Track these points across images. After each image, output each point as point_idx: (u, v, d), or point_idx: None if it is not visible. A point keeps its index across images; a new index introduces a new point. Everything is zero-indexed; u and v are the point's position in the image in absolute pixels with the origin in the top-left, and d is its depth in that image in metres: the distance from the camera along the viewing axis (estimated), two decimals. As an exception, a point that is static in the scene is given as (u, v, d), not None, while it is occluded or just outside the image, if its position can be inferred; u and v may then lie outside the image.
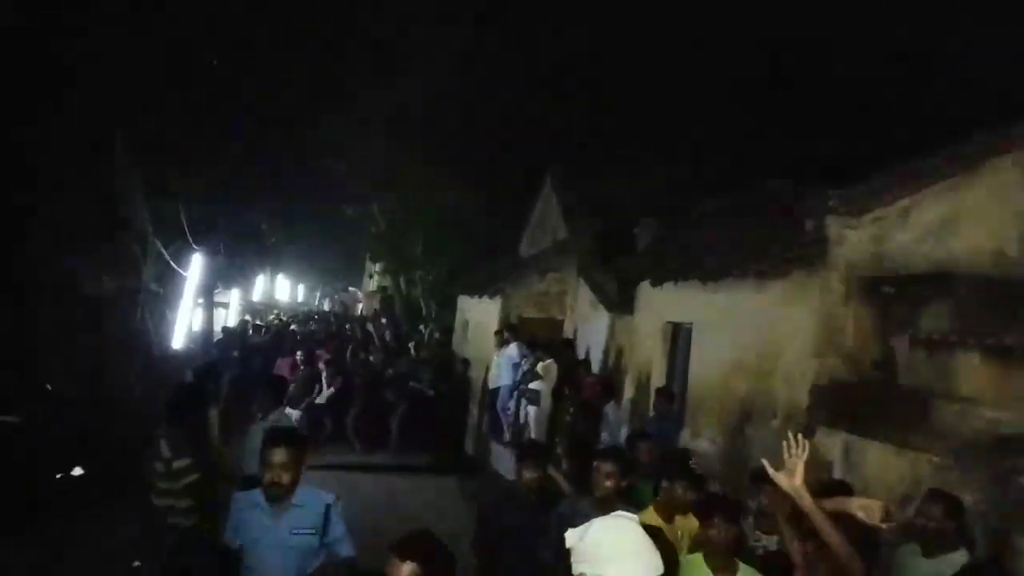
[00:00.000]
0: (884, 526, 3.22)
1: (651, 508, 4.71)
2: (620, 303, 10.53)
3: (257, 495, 3.92)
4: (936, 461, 5.20)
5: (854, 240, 6.57)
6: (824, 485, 4.42)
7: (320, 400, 12.69)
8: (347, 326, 23.33)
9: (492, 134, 15.92)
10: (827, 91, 11.58)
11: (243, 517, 3.92)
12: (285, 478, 3.83)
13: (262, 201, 16.31)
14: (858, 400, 6.25)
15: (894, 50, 11.14)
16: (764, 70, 12.73)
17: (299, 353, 13.82)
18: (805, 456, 3.19)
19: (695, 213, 9.95)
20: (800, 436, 3.25)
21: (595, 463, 4.55)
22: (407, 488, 11.13)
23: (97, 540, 5.77)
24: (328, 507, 3.96)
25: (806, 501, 3.10)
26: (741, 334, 7.59)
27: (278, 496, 3.84)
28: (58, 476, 5.63)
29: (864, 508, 3.32)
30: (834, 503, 3.32)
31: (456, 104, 16.06)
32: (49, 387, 7.22)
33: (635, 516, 2.35)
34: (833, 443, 6.21)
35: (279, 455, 3.84)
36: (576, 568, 2.22)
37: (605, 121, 14.19)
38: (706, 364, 8.26)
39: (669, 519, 4.66)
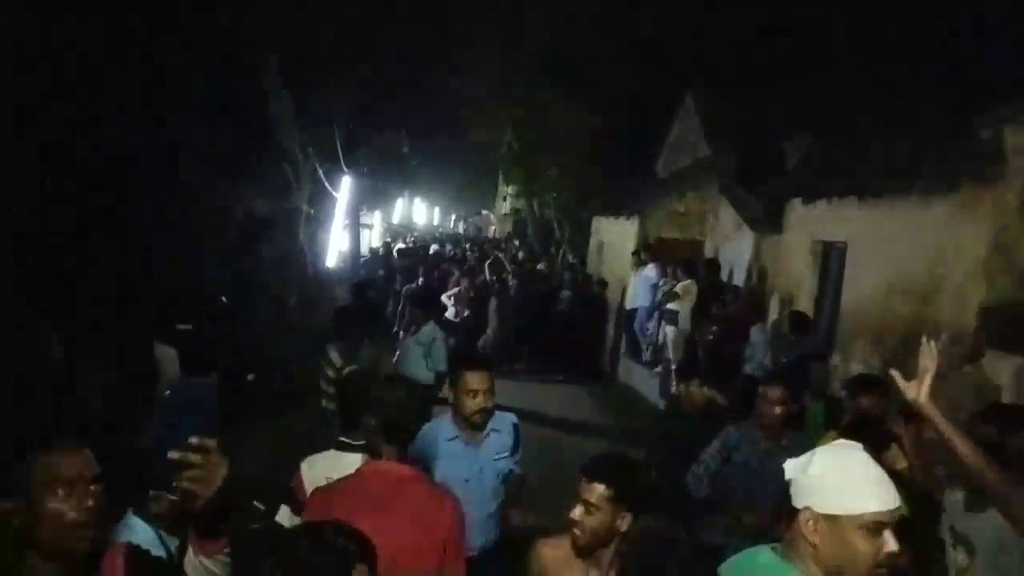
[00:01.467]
0: None
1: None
2: (766, 222, 10.21)
3: (447, 427, 3.71)
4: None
5: (1034, 151, 6.10)
6: None
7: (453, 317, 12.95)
8: (481, 248, 23.71)
9: (627, 51, 15.50)
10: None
11: (441, 451, 3.65)
12: (491, 403, 3.67)
13: (403, 124, 16.62)
14: (1032, 323, 5.91)
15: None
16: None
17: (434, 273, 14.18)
18: (935, 365, 2.70)
19: (852, 127, 9.42)
20: (933, 341, 2.77)
21: (761, 388, 4.39)
22: (543, 396, 11.47)
23: (277, 439, 6.26)
24: (515, 426, 3.86)
25: (927, 409, 2.68)
26: (902, 253, 7.24)
27: (483, 424, 3.69)
28: (248, 378, 6.08)
29: None
30: None
31: (591, 20, 15.70)
32: (223, 299, 7.76)
33: (859, 445, 2.07)
34: (1003, 367, 5.91)
35: (485, 380, 3.64)
36: (800, 502, 1.98)
37: (750, 32, 13.50)
38: (862, 285, 7.95)
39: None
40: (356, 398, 3.32)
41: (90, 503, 1.87)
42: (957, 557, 3.12)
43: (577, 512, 2.61)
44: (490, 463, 3.71)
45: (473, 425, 3.66)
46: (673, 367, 11.16)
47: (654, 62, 15.19)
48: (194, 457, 1.83)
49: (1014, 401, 5.46)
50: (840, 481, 1.93)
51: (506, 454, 3.77)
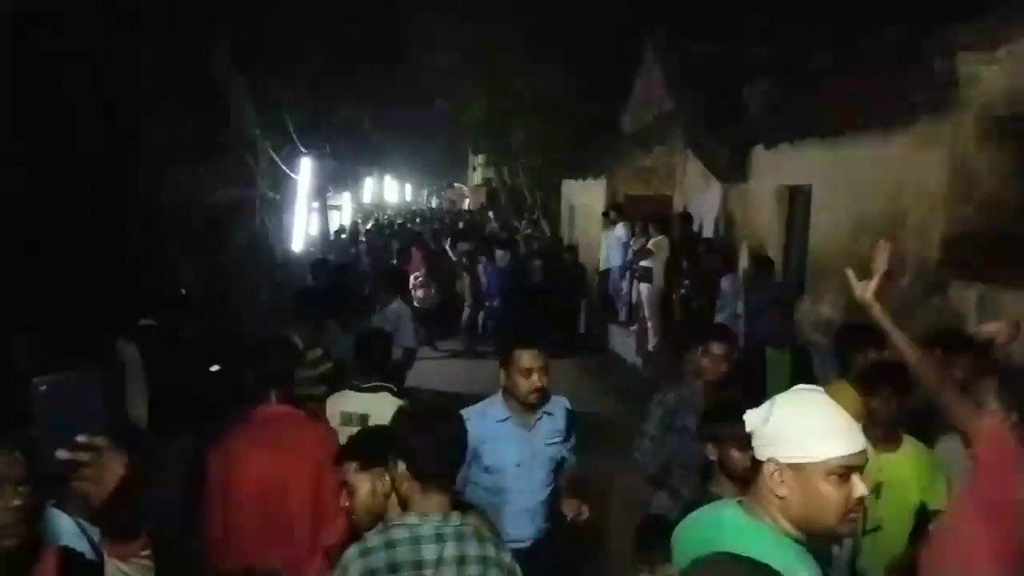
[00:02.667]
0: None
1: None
2: (732, 171, 10.17)
3: (498, 407, 3.50)
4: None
5: (988, 77, 6.07)
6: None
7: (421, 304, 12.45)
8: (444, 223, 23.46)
9: (585, 8, 15.33)
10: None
11: (491, 433, 3.41)
12: (547, 382, 3.43)
13: (361, 99, 16.37)
14: (994, 250, 5.91)
15: None
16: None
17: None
18: (885, 265, 2.79)
19: (809, 68, 9.37)
20: (883, 242, 2.85)
21: (703, 345, 4.13)
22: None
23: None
24: (568, 410, 3.64)
25: (875, 310, 2.79)
26: (865, 190, 7.23)
27: (537, 405, 3.47)
28: (210, 371, 5.98)
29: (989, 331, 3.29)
30: None
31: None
32: (183, 291, 7.63)
33: (819, 389, 1.97)
34: (967, 296, 5.94)
35: (539, 358, 3.40)
36: (763, 454, 1.90)
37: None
38: (828, 225, 7.95)
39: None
40: (375, 360, 4.27)
41: (15, 503, 1.85)
42: None
43: None
44: (542, 448, 3.49)
45: (528, 406, 3.45)
46: (649, 324, 11.19)
47: (613, 16, 15.05)
48: (83, 456, 1.75)
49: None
50: (803, 428, 1.85)
51: (559, 439, 3.55)
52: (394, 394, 4.08)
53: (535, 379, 3.38)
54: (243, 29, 11.40)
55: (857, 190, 7.36)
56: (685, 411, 4.03)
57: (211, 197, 11.06)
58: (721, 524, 1.94)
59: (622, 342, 12.38)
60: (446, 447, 2.43)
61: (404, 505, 2.43)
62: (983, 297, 5.78)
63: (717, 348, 4.07)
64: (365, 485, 2.65)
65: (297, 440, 3.20)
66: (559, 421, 3.57)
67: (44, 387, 1.74)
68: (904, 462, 3.38)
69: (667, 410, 4.12)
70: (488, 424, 3.41)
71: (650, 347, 11.08)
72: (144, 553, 1.89)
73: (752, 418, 1.94)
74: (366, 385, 4.09)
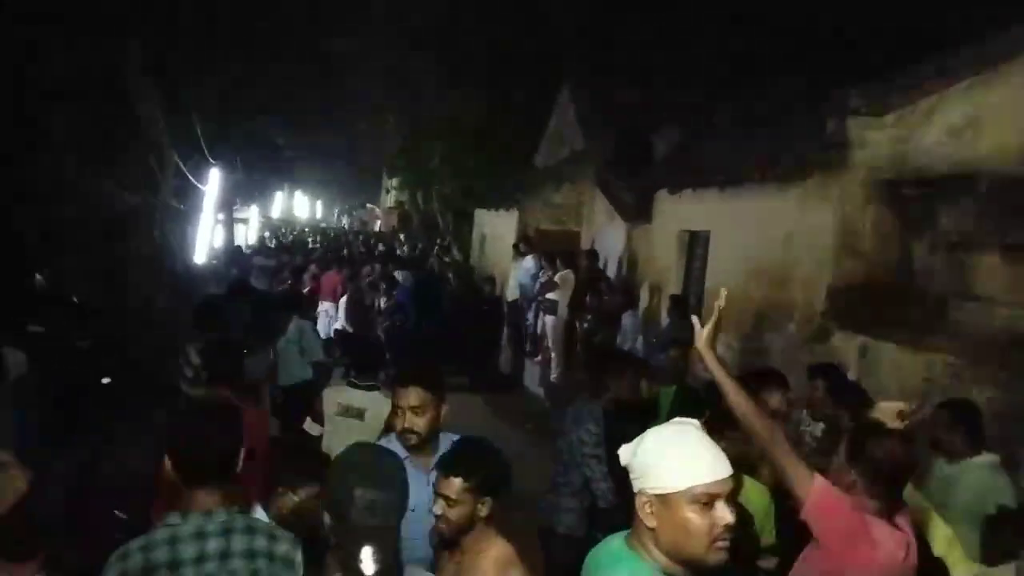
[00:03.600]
0: (901, 425, 3.03)
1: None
2: (637, 213, 10.50)
3: (395, 445, 3.14)
4: (952, 361, 5.24)
5: (875, 141, 6.48)
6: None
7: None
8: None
9: (507, 42, 15.61)
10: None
11: None
12: (422, 424, 3.18)
13: (274, 113, 16.15)
14: (875, 303, 6.28)
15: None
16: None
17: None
18: (718, 314, 2.67)
19: (714, 119, 9.80)
20: (724, 291, 2.72)
21: (618, 368, 4.56)
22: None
23: (134, 443, 5.96)
24: None
25: (709, 362, 2.67)
26: (759, 240, 7.57)
27: (416, 445, 3.20)
28: (101, 382, 5.76)
29: (881, 412, 3.18)
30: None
31: (470, 11, 15.72)
32: (75, 299, 7.35)
33: (693, 421, 2.00)
34: (849, 346, 6.27)
35: (413, 396, 3.19)
36: (636, 486, 1.93)
37: (621, 26, 13.84)
38: (723, 271, 8.27)
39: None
40: (371, 359, 4.87)
41: None
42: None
43: (438, 507, 2.62)
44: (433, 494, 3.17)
45: (411, 447, 3.19)
46: (553, 355, 11.35)
47: (532, 53, 15.36)
48: None
49: (859, 378, 5.80)
50: (668, 458, 1.88)
51: None
52: (384, 393, 4.26)
53: (408, 418, 3.18)
54: (156, 32, 11.15)
55: (752, 239, 7.69)
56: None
57: (112, 202, 10.71)
58: (606, 554, 2.01)
59: (528, 373, 12.47)
60: (208, 443, 2.35)
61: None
62: (864, 347, 6.12)
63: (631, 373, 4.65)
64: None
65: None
66: None
67: None
68: (746, 505, 3.35)
69: (596, 421, 4.37)
70: None
71: (553, 378, 11.23)
72: (41, 574, 1.83)
73: (624, 452, 1.97)
74: (362, 383, 4.48)
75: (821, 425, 4.59)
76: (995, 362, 4.93)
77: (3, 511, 1.75)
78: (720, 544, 1.86)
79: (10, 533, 1.78)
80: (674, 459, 1.88)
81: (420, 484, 3.04)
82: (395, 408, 3.24)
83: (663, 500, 1.87)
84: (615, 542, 2.01)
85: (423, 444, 3.20)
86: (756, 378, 3.85)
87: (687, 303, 8.74)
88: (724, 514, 1.85)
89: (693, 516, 1.84)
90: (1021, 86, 6.22)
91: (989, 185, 5.60)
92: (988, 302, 5.34)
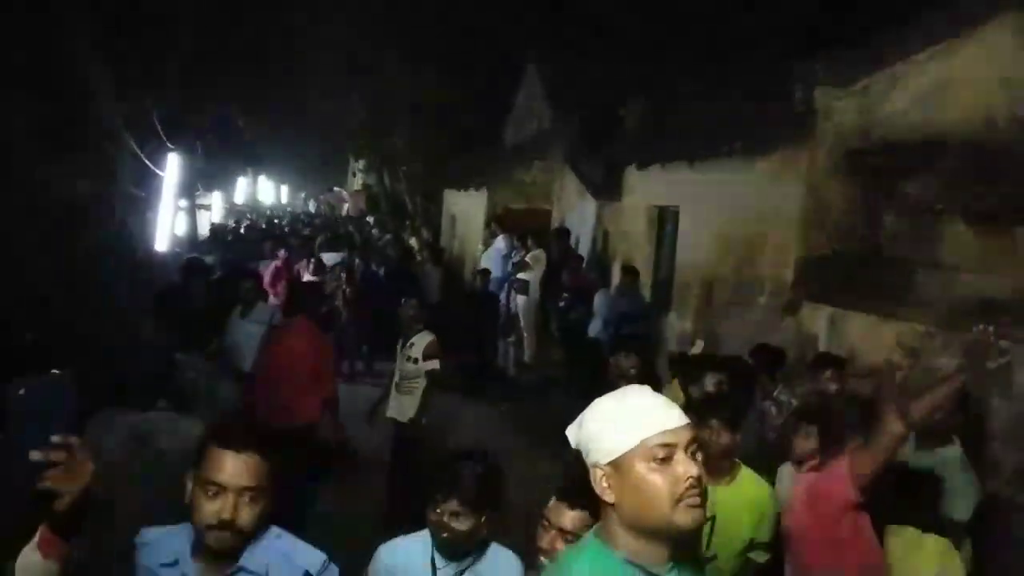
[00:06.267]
0: None
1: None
2: (607, 189, 10.42)
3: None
4: (920, 329, 5.24)
5: (842, 110, 6.44)
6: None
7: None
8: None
9: (473, 18, 15.38)
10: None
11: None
12: (243, 516, 1.98)
13: (234, 96, 15.81)
14: (843, 273, 6.27)
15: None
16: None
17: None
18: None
19: (681, 92, 9.71)
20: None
21: (613, 359, 4.75)
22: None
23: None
24: None
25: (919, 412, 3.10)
26: (728, 214, 7.55)
27: (224, 548, 2.00)
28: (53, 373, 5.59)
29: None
30: None
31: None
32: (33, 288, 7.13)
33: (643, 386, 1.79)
34: (818, 316, 6.27)
35: (237, 467, 1.98)
36: (588, 464, 1.72)
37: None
38: (693, 246, 8.25)
39: None
40: None
41: None
42: None
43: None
44: None
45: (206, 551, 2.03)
46: (525, 336, 11.28)
47: (499, 27, 15.15)
48: (57, 455, 1.70)
49: (828, 348, 5.79)
50: (611, 419, 1.69)
51: None
52: None
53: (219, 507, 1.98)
54: (106, 10, 10.81)
55: (721, 213, 7.66)
56: None
57: (65, 190, 10.41)
58: (576, 546, 1.88)
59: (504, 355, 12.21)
60: None
61: None
62: (832, 318, 6.12)
63: (626, 362, 4.78)
64: None
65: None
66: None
67: (22, 390, 1.74)
68: (737, 496, 3.29)
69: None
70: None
71: (526, 358, 11.17)
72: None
73: (570, 432, 1.78)
74: None
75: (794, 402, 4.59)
76: (964, 329, 4.92)
77: (77, 491, 1.74)
78: (689, 501, 1.62)
79: (71, 512, 1.76)
80: (619, 417, 1.68)
81: None
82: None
83: (616, 467, 1.66)
84: (587, 534, 1.85)
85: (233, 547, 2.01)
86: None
87: (636, 272, 8.90)
88: (687, 467, 1.62)
89: (649, 475, 1.62)
90: (987, 53, 6.21)
91: (955, 153, 5.58)
92: (955, 270, 5.33)
